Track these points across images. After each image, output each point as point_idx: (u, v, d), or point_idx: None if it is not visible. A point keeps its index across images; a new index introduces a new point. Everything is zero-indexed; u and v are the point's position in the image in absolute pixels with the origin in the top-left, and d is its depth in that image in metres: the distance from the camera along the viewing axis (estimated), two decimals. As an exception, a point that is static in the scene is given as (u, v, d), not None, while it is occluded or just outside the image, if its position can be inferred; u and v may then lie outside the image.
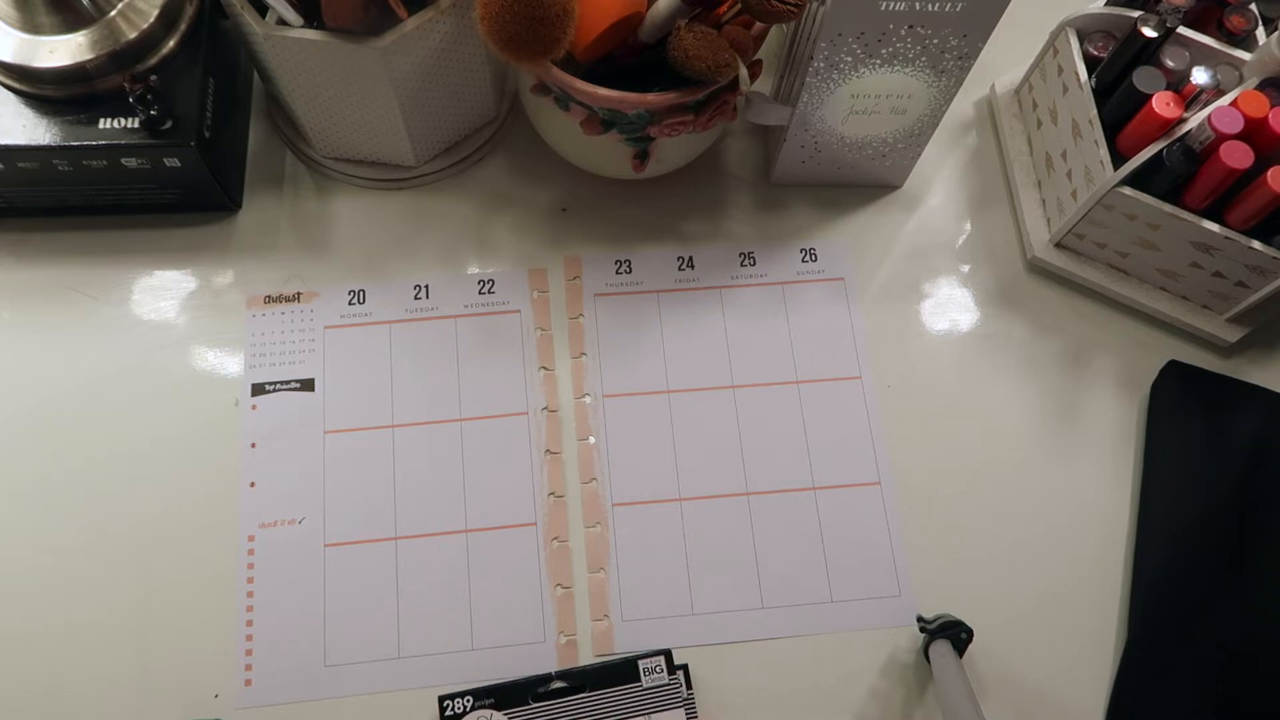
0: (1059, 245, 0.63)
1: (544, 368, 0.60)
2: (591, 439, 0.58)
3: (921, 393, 0.60)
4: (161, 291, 0.61)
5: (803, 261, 0.64)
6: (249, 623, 0.53)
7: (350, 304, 0.61)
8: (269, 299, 0.61)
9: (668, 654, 0.53)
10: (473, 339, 0.60)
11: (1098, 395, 0.61)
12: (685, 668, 0.53)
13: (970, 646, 0.53)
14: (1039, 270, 0.64)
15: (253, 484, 0.56)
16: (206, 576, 0.54)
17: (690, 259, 0.63)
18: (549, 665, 0.53)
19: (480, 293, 0.61)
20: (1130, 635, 0.55)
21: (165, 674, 0.52)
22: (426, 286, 0.61)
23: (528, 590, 0.55)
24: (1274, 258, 0.55)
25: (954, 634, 0.52)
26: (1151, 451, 0.59)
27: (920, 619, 0.54)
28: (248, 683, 0.52)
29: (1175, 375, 0.61)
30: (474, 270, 0.62)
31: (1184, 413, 0.59)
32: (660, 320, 0.61)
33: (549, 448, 0.58)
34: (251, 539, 0.55)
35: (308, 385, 0.59)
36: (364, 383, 0.59)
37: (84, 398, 0.58)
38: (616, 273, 0.63)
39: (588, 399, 0.59)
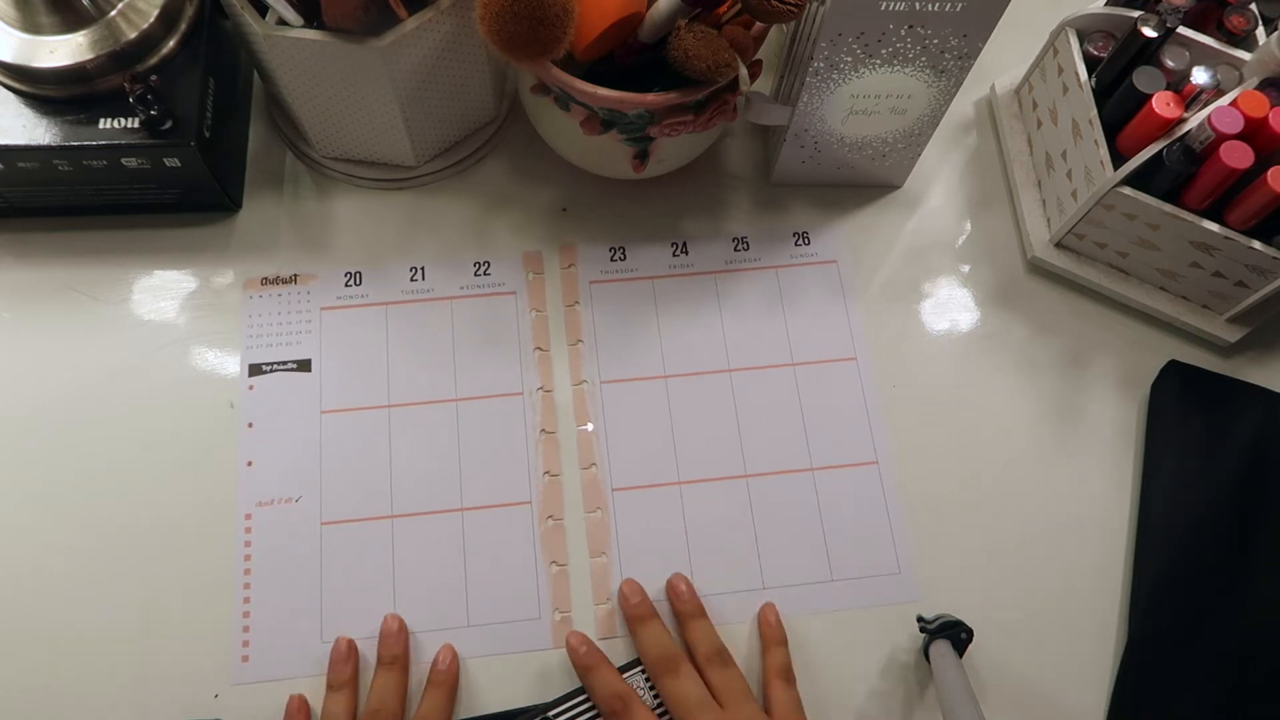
0: (1059, 245, 0.63)
1: (539, 349, 0.60)
2: (590, 425, 0.58)
3: (921, 393, 0.60)
4: (161, 291, 0.61)
5: (795, 245, 0.64)
6: (246, 599, 0.54)
7: (347, 285, 0.61)
8: (266, 280, 0.61)
9: None
10: (468, 320, 0.60)
11: (1098, 395, 0.61)
12: None
13: (970, 646, 0.53)
14: (1039, 270, 0.64)
15: (250, 463, 0.56)
16: (204, 560, 0.54)
17: (684, 245, 0.63)
18: (544, 642, 0.53)
19: (476, 275, 0.62)
20: (1130, 635, 0.55)
21: (165, 665, 0.52)
22: (422, 269, 0.62)
23: (523, 568, 0.55)
24: (1274, 258, 0.55)
25: (954, 634, 0.52)
26: (1151, 451, 0.59)
27: (920, 619, 0.54)
28: (244, 659, 0.52)
29: (1175, 375, 0.61)
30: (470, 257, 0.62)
31: (1184, 412, 0.59)
32: (656, 306, 0.62)
33: (544, 427, 0.58)
34: (249, 517, 0.55)
35: (304, 366, 0.59)
36: (360, 363, 0.59)
37: (83, 398, 0.57)
38: (611, 260, 0.63)
39: (586, 385, 0.59)
